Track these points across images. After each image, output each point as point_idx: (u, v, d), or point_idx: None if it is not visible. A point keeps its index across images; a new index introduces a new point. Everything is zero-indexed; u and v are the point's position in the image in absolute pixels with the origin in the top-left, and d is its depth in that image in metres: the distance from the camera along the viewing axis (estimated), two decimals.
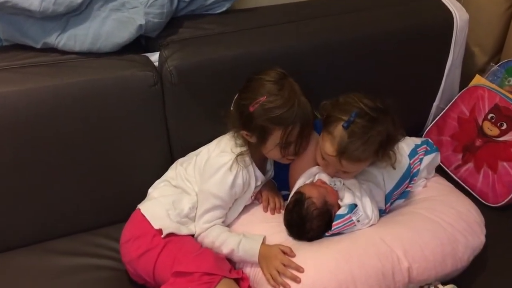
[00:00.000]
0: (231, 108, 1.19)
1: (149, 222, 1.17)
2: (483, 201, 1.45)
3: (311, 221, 1.14)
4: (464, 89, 1.56)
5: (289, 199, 1.21)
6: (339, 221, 1.15)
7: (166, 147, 1.32)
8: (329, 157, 1.13)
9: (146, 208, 1.21)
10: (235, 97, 1.18)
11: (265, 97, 1.10)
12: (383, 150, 1.12)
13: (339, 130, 1.10)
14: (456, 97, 1.57)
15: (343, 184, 1.20)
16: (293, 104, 1.10)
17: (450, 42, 1.51)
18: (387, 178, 1.24)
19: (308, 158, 1.22)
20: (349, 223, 1.15)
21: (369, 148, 1.09)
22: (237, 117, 1.16)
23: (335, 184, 1.20)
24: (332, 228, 1.15)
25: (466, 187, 1.49)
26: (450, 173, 1.53)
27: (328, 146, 1.12)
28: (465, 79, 1.61)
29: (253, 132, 1.14)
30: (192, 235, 1.19)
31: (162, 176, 1.29)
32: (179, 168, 1.27)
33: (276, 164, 1.29)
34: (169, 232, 1.15)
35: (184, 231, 1.18)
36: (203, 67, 1.24)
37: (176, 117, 1.28)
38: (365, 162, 1.15)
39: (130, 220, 1.22)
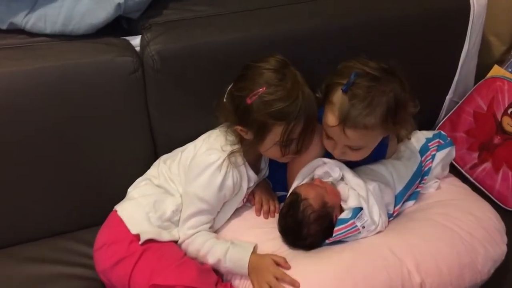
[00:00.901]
0: (224, 100, 1.08)
1: (126, 226, 1.06)
2: (501, 205, 1.37)
3: (308, 226, 1.05)
4: (481, 80, 1.47)
5: (285, 201, 1.11)
6: (341, 226, 1.06)
7: (148, 142, 1.23)
8: (332, 129, 1.01)
9: (123, 209, 1.11)
10: (229, 87, 1.08)
11: (264, 88, 1.00)
12: (392, 116, 0.99)
13: (338, 95, 0.99)
14: (472, 90, 1.48)
15: (348, 184, 1.10)
16: (296, 96, 1.00)
17: (466, 29, 1.41)
18: (397, 178, 1.15)
19: (311, 154, 1.11)
20: (353, 229, 1.06)
21: (374, 111, 0.97)
22: (232, 110, 1.06)
23: (330, 176, 1.09)
24: (333, 235, 1.06)
25: (483, 189, 1.41)
26: (465, 173, 1.45)
27: (330, 116, 1.01)
28: (481, 71, 1.52)
29: (250, 128, 1.04)
30: (175, 242, 1.09)
31: (144, 174, 1.20)
32: (162, 166, 1.17)
33: (271, 161, 1.19)
34: (148, 238, 1.05)
35: (165, 236, 1.08)
36: (190, 52, 1.14)
37: (160, 108, 1.19)
38: (373, 131, 1.01)
39: (106, 224, 1.12)
